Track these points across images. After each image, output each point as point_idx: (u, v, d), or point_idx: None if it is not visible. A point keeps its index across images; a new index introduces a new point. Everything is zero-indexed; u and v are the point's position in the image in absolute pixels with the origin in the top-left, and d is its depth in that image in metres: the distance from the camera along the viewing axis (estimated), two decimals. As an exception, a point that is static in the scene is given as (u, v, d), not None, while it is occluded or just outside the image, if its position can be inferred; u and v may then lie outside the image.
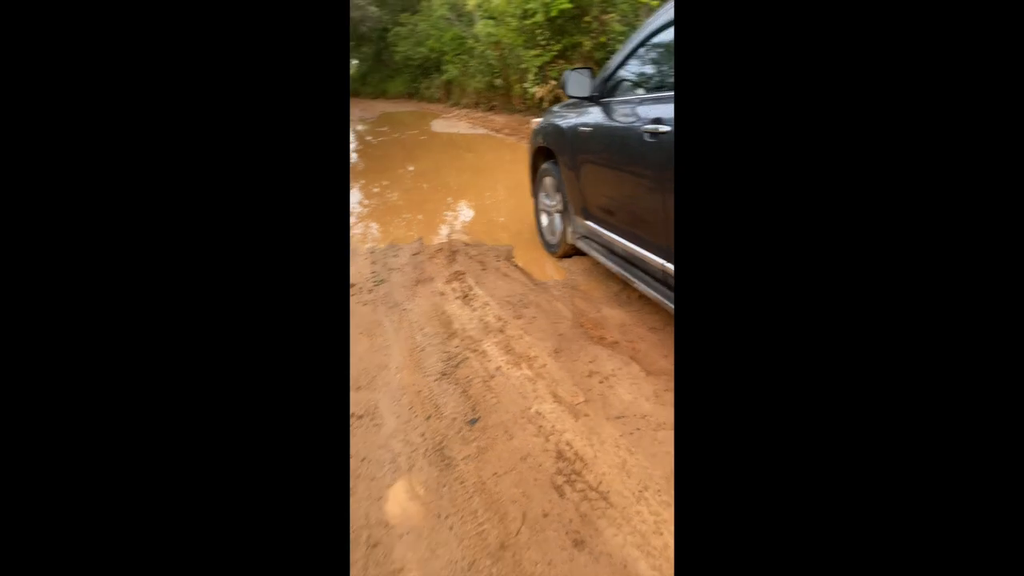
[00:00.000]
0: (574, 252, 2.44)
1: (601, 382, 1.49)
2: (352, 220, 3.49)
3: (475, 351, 1.71)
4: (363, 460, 1.26)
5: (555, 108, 2.46)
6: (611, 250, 1.92)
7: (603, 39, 6.38)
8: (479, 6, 8.17)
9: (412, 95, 14.48)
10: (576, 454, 1.21)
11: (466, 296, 2.14)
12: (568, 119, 2.16)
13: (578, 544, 0.99)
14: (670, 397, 1.40)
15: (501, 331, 1.83)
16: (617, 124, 1.73)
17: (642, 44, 1.71)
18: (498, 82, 8.95)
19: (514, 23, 7.11)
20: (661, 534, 0.99)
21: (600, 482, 1.13)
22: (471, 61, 9.91)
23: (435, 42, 11.60)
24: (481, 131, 7.69)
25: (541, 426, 1.32)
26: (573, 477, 1.15)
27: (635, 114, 1.62)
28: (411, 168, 5.30)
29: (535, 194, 2.71)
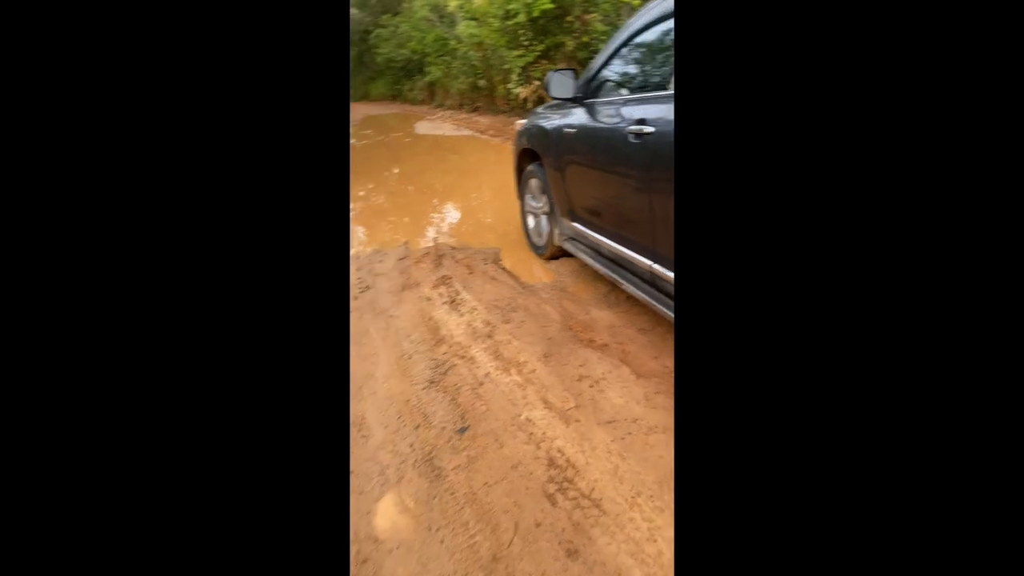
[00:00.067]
0: (562, 254, 2.43)
1: (591, 386, 1.48)
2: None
3: (463, 357, 1.69)
4: (351, 473, 1.23)
5: (539, 109, 2.45)
6: (598, 251, 1.91)
7: (585, 39, 6.40)
8: (461, 7, 8.14)
9: (395, 97, 14.41)
10: (568, 461, 1.20)
11: (453, 301, 2.12)
12: (552, 120, 2.15)
13: (571, 554, 0.97)
14: (661, 400, 1.39)
15: (489, 336, 1.81)
16: (601, 125, 1.72)
17: (625, 44, 1.70)
18: (482, 83, 8.93)
19: (496, 24, 7.10)
20: (655, 541, 0.98)
21: (592, 489, 1.11)
22: (454, 62, 9.88)
23: (417, 44, 11.55)
24: (466, 133, 7.67)
25: (532, 433, 1.30)
26: (565, 485, 1.13)
27: (619, 115, 1.61)
28: (396, 171, 5.26)
29: (521, 196, 2.69)
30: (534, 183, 2.47)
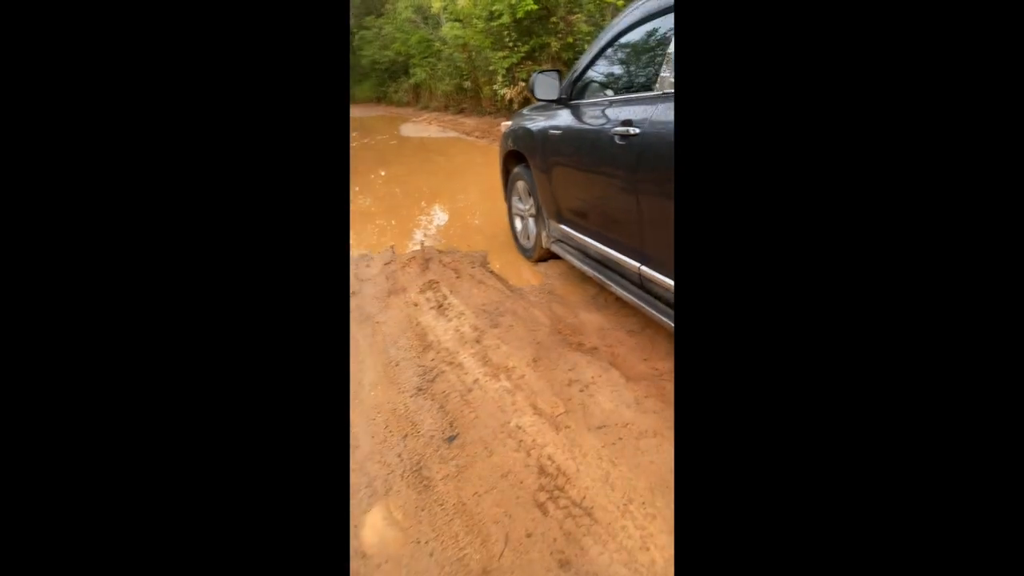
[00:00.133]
0: (550, 256, 2.42)
1: (581, 391, 1.46)
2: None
3: (451, 364, 1.66)
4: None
5: (524, 111, 2.43)
6: (586, 254, 1.90)
7: (570, 39, 6.41)
8: (445, 8, 8.12)
9: (380, 99, 14.33)
10: (558, 468, 1.18)
11: (441, 306, 2.09)
12: (537, 122, 2.13)
13: (563, 565, 0.96)
14: (651, 404, 1.38)
15: (478, 341, 1.78)
16: (587, 127, 1.71)
17: (609, 45, 1.69)
18: (467, 84, 8.91)
19: (481, 25, 7.09)
20: (648, 550, 0.96)
21: (584, 497, 1.10)
22: (439, 64, 9.85)
23: (401, 45, 11.49)
24: (452, 134, 7.64)
25: (521, 440, 1.28)
26: (556, 493, 1.11)
27: (605, 116, 1.60)
28: (382, 173, 5.21)
29: (508, 198, 2.67)
30: (521, 185, 2.45)
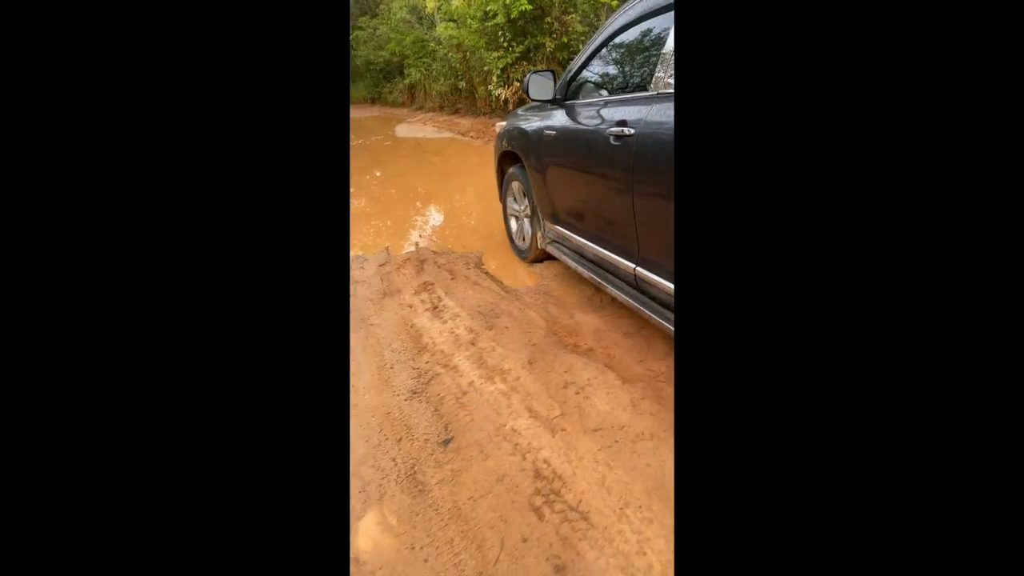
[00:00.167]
0: (545, 257, 2.41)
1: (577, 393, 1.45)
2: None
3: (446, 366, 1.65)
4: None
5: (519, 111, 2.42)
6: (581, 255, 1.89)
7: (565, 39, 6.40)
8: (439, 8, 8.10)
9: (375, 100, 14.29)
10: (554, 472, 1.17)
11: (436, 308, 2.08)
12: (532, 122, 2.13)
13: (560, 570, 0.95)
14: (647, 406, 1.37)
15: (473, 344, 1.77)
16: (582, 127, 1.70)
17: (604, 45, 1.69)
18: (462, 85, 8.90)
19: (475, 25, 7.08)
20: (644, 554, 0.95)
21: (580, 501, 1.09)
22: (434, 64, 9.83)
23: (396, 45, 11.46)
24: (447, 135, 7.62)
25: (517, 444, 1.27)
26: (552, 497, 1.11)
27: (599, 116, 1.59)
28: (378, 174, 5.19)
29: (503, 199, 2.66)
30: (516, 186, 2.44)
